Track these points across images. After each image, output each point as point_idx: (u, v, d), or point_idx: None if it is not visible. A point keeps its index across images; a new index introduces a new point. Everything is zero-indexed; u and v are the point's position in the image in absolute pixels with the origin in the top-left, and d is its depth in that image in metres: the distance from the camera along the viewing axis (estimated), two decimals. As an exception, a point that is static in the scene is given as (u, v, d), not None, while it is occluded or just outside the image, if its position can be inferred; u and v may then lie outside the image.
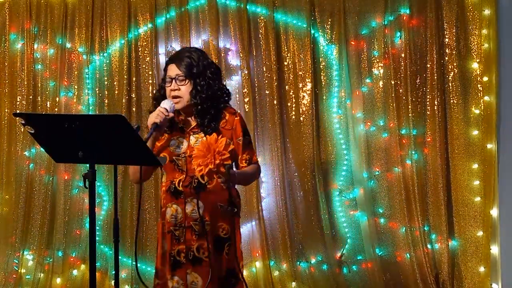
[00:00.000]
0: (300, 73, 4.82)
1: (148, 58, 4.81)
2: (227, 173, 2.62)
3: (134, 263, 4.71)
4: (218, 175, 2.63)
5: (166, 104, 2.87)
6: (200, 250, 2.90)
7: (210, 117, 2.92)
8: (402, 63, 4.78)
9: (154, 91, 3.09)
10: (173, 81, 2.91)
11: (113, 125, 2.48)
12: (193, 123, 2.97)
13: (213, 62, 3.03)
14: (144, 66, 4.83)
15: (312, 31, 4.82)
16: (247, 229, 4.77)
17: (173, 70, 2.92)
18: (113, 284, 4.51)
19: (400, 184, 4.77)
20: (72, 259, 4.79)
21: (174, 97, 2.91)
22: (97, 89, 4.83)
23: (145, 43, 4.83)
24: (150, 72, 4.80)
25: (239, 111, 3.07)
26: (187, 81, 2.90)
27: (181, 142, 2.95)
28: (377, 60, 4.83)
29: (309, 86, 4.80)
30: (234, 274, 2.96)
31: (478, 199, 4.74)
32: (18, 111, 4.71)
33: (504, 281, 4.68)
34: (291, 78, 4.82)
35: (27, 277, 4.77)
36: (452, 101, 4.78)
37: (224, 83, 3.09)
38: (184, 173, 2.91)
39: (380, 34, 4.82)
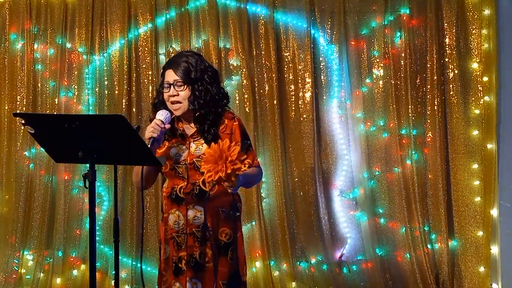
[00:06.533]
0: (300, 73, 4.82)
1: (148, 58, 4.81)
2: (236, 181, 2.61)
3: (134, 263, 4.71)
4: (226, 182, 2.61)
5: (161, 115, 2.83)
6: (202, 256, 2.89)
7: (209, 123, 2.89)
8: (402, 63, 4.78)
9: (153, 98, 3.05)
10: (171, 86, 2.88)
11: (113, 125, 2.48)
12: (193, 130, 2.95)
13: (210, 65, 2.99)
14: (144, 66, 4.83)
15: (312, 31, 4.82)
16: (247, 229, 4.77)
17: (171, 76, 2.89)
18: (113, 284, 4.51)
19: (400, 184, 4.77)
20: (72, 259, 4.79)
21: (173, 102, 2.88)
22: (97, 89, 4.83)
23: (145, 43, 4.83)
24: (150, 72, 4.80)
25: (237, 115, 3.04)
26: (185, 86, 2.87)
27: (181, 150, 2.93)
28: (377, 60, 4.84)
29: (309, 86, 4.80)
30: (237, 277, 2.95)
31: (478, 199, 4.74)
32: (18, 111, 4.71)
33: (504, 281, 4.68)
34: (291, 78, 4.82)
35: (27, 277, 4.77)
36: (452, 101, 4.78)
37: (222, 85, 3.05)
38: (185, 180, 2.90)
39: (380, 34, 4.82)
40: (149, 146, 2.75)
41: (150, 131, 2.79)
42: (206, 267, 2.88)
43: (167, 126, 2.84)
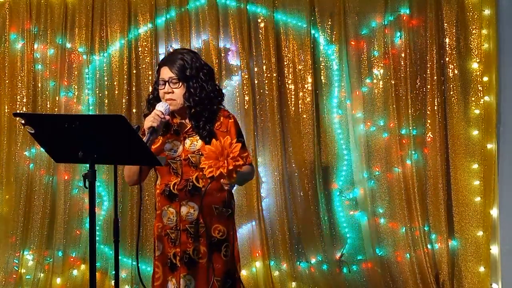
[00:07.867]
0: (300, 73, 4.82)
1: (148, 58, 4.81)
2: (236, 178, 2.61)
3: (134, 263, 4.71)
4: (226, 179, 2.61)
5: (161, 106, 2.85)
6: (195, 253, 2.90)
7: (204, 120, 2.91)
8: (402, 63, 4.78)
9: (148, 94, 3.07)
10: (167, 83, 2.89)
11: (113, 125, 2.48)
12: (188, 126, 2.96)
13: (206, 63, 3.00)
14: (144, 66, 4.83)
15: (312, 31, 4.82)
16: (247, 229, 4.77)
17: (166, 73, 2.90)
18: (113, 284, 4.51)
19: (400, 184, 4.77)
20: (72, 259, 4.79)
21: (168, 99, 2.89)
22: (97, 89, 4.83)
23: (145, 43, 4.83)
24: (150, 72, 4.80)
25: (232, 113, 3.06)
26: (180, 83, 2.89)
27: (176, 145, 2.94)
28: (377, 60, 4.83)
29: (309, 86, 4.80)
30: (231, 275, 2.96)
31: (478, 199, 4.74)
32: (18, 111, 4.71)
33: (504, 281, 4.68)
34: (291, 78, 4.82)
35: (27, 277, 4.77)
36: (452, 101, 4.78)
37: (218, 84, 3.07)
38: (179, 176, 2.91)
39: (380, 34, 4.82)
40: (147, 136, 2.76)
41: (150, 121, 2.80)
42: (199, 263, 2.90)
43: (167, 117, 2.85)
